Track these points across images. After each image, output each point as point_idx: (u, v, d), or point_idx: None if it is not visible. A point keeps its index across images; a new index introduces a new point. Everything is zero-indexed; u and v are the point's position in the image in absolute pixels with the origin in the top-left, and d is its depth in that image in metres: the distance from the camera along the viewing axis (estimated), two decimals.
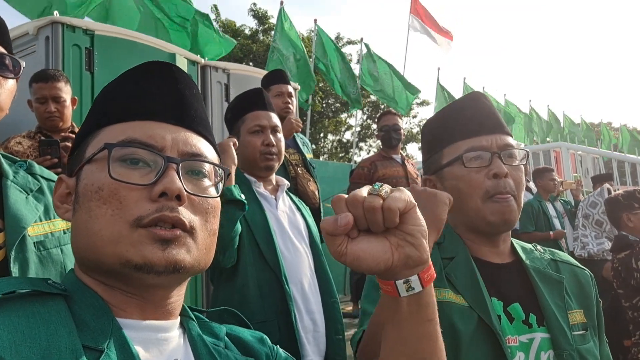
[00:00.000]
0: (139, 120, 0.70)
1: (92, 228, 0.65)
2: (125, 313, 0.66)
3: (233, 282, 1.81)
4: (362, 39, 9.47)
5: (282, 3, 7.27)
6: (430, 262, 0.68)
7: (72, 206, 0.69)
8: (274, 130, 1.99)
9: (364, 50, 9.13)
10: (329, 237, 0.63)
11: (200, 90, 4.14)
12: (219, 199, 0.74)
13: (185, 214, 0.67)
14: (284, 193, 2.03)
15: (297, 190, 3.12)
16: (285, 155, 3.17)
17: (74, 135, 2.52)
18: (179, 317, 0.74)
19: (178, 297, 0.72)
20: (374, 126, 19.11)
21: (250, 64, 16.33)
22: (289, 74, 6.76)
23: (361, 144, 21.09)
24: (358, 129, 20.82)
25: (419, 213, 0.65)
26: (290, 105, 3.22)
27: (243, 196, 1.71)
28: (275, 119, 2.01)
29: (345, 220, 0.61)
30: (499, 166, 1.14)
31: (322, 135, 20.19)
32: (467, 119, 1.20)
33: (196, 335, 0.74)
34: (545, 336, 1.11)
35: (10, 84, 1.18)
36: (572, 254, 5.06)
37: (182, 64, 3.84)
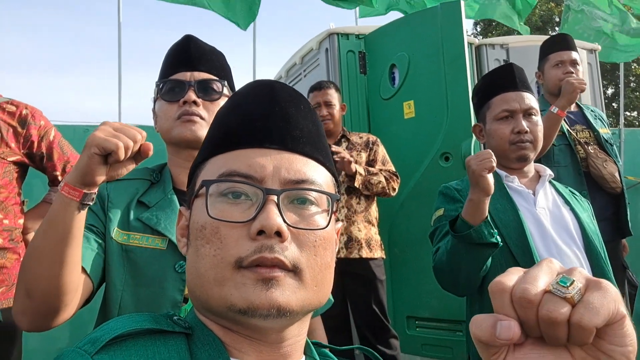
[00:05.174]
0: (240, 149, 0.66)
1: (199, 269, 0.63)
2: (241, 354, 0.63)
3: (483, 295, 1.58)
4: None
5: None
6: None
7: (187, 241, 0.69)
8: (528, 113, 1.67)
9: None
10: (481, 345, 0.46)
11: (477, 72, 3.93)
12: (330, 227, 0.65)
13: (287, 252, 0.61)
14: (546, 185, 1.71)
15: (588, 173, 2.62)
16: (571, 132, 2.70)
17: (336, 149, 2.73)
18: (303, 357, 0.68)
19: (298, 337, 0.66)
20: None
21: (556, 29, 14.71)
22: (593, 34, 5.70)
23: None
24: None
25: (629, 327, 0.42)
26: (573, 76, 2.70)
27: (497, 237, 1.45)
28: (529, 99, 1.68)
29: (507, 334, 0.43)
30: None
31: None
32: None
33: None
34: None
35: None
36: None
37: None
